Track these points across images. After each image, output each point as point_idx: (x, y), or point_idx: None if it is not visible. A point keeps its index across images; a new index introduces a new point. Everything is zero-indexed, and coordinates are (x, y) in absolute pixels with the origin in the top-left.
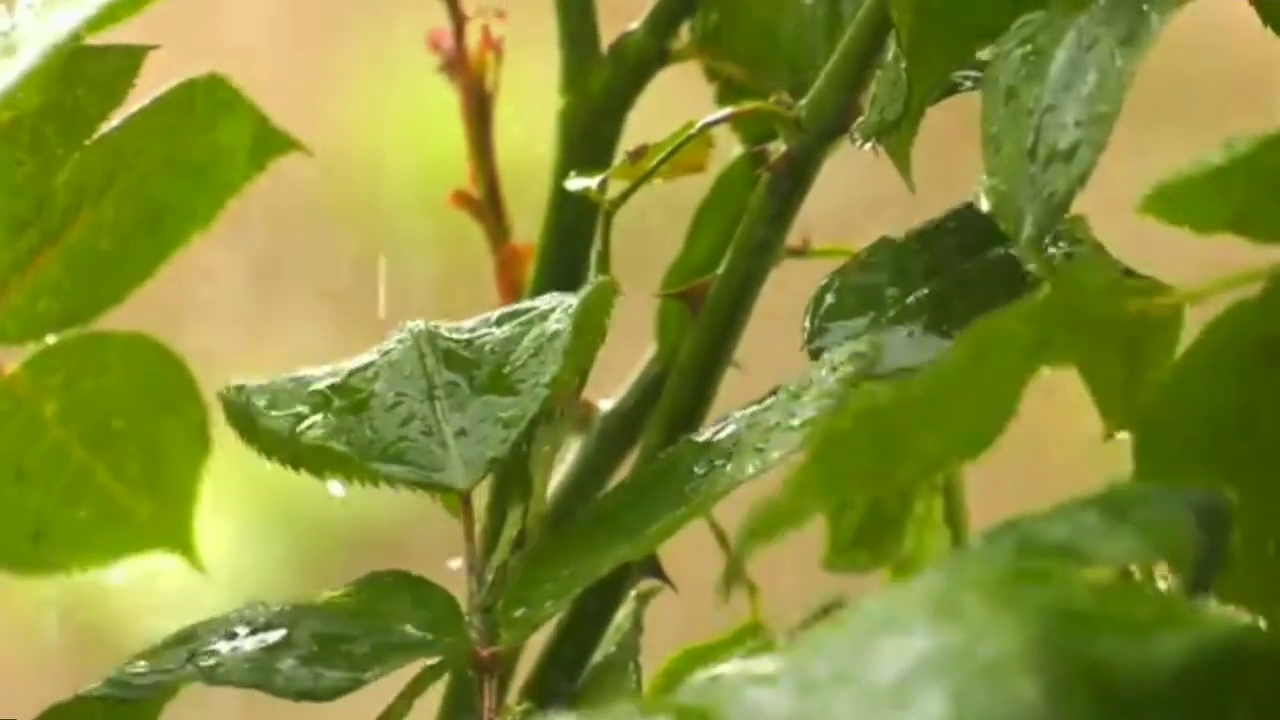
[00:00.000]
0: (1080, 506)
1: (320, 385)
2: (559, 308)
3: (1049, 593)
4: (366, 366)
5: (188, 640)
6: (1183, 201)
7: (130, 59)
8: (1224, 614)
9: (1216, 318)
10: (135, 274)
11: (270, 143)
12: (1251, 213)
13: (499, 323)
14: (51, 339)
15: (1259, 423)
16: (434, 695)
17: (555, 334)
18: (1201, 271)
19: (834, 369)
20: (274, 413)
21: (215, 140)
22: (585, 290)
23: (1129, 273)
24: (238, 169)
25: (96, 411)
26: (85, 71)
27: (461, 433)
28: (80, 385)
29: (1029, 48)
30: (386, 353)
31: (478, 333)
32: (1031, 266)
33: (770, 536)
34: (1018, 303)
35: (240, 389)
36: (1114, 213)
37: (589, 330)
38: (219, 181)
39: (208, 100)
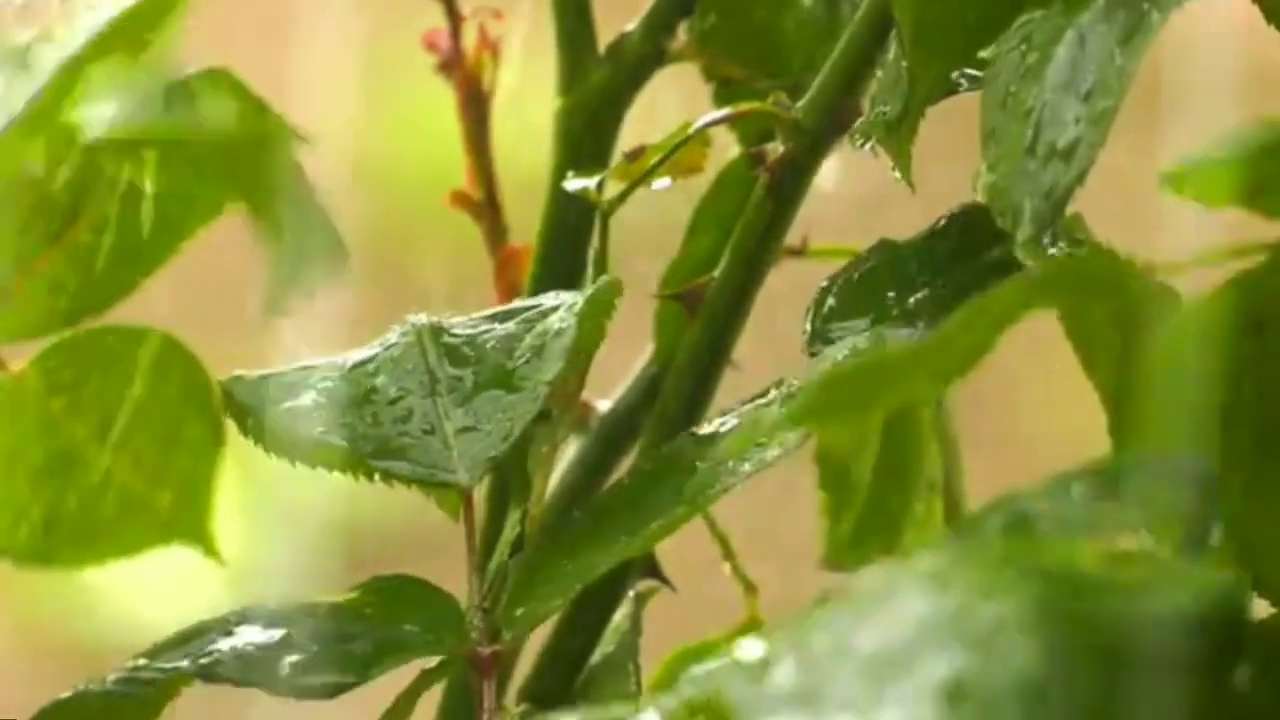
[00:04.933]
0: (1068, 480)
1: (321, 378)
2: (562, 306)
3: (1043, 558)
4: (368, 360)
5: (189, 638)
6: (1197, 179)
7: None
8: (1220, 572)
9: (1207, 290)
10: (139, 269)
11: (275, 134)
12: (1265, 189)
13: (501, 319)
14: (57, 335)
15: (1240, 391)
16: (430, 695)
17: (559, 332)
18: (1204, 270)
19: (834, 365)
20: (274, 405)
21: (220, 133)
22: (591, 290)
23: None
24: (243, 161)
25: (108, 406)
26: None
27: (463, 430)
28: (90, 380)
29: (1029, 46)
30: (388, 347)
31: (480, 329)
32: (1029, 264)
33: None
34: (1017, 276)
35: (240, 379)
36: (1119, 211)
37: (592, 331)
38: (224, 174)
39: (211, 93)
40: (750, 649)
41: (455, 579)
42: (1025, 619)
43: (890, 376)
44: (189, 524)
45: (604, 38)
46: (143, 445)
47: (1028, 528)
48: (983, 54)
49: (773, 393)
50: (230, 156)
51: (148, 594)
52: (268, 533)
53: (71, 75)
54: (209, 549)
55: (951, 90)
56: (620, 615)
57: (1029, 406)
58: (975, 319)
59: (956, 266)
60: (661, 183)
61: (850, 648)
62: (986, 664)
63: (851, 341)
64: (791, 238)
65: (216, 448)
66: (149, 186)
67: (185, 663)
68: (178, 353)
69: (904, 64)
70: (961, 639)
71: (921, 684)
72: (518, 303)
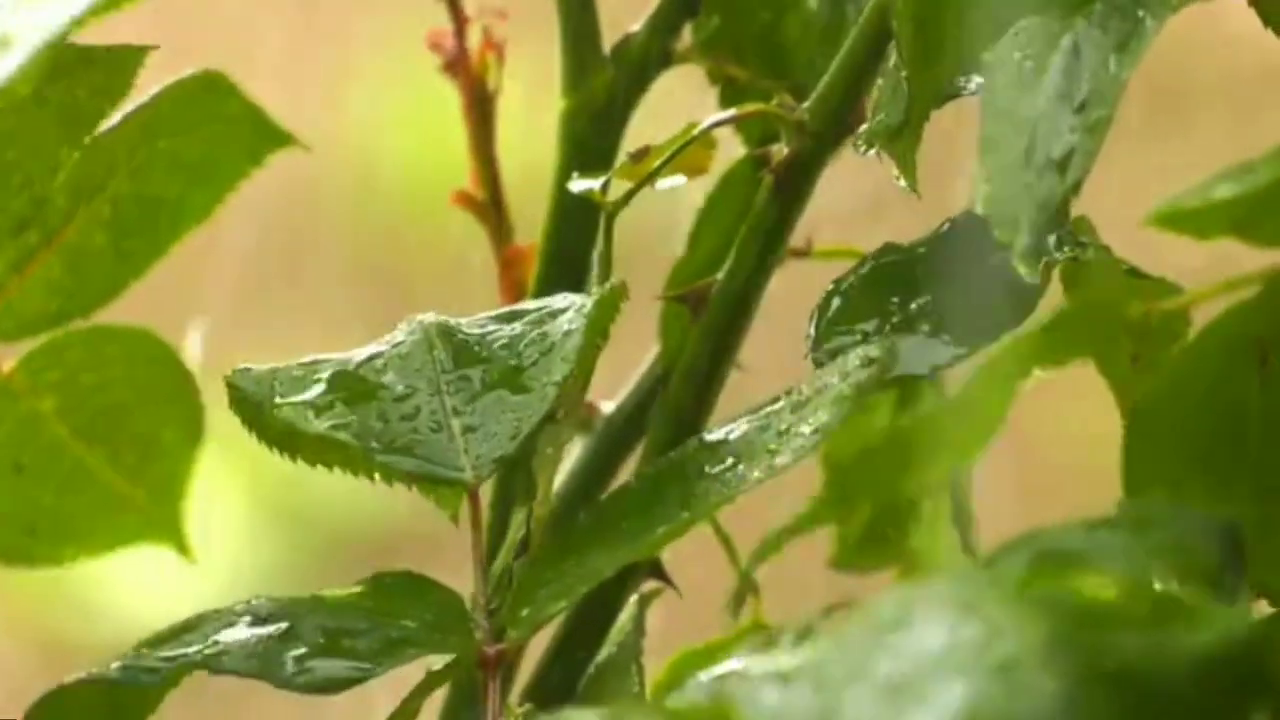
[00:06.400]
0: (1096, 523)
1: (329, 373)
2: (572, 308)
3: (1064, 589)
4: (375, 357)
5: (192, 629)
6: (1185, 219)
7: (130, 59)
8: (1240, 612)
9: (1213, 318)
10: (131, 269)
11: (268, 137)
12: (1251, 222)
13: (510, 319)
14: (48, 335)
15: (1248, 420)
16: (434, 695)
17: (568, 334)
18: (1208, 264)
19: (846, 374)
20: (280, 399)
21: (212, 136)
22: (599, 292)
23: (1134, 272)
24: (236, 164)
25: (94, 405)
26: (85, 72)
27: (470, 428)
28: (78, 380)
29: (1025, 54)
30: (396, 344)
31: (488, 329)
32: (1025, 273)
33: (780, 548)
34: (1028, 327)
35: (246, 372)
36: (1120, 211)
37: (598, 332)
38: (216, 176)
39: (205, 96)
40: (765, 663)
41: (455, 579)
42: (1045, 652)
43: (910, 460)
44: (163, 523)
45: (609, 39)
46: (122, 443)
47: (1052, 563)
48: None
49: (782, 400)
50: (223, 160)
51: (149, 594)
52: (269, 529)
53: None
54: (181, 548)
55: (953, 95)
56: (624, 616)
57: (1033, 408)
58: (989, 382)
59: (962, 270)
60: (666, 183)
61: (867, 671)
62: (1004, 697)
63: (863, 351)
64: (797, 239)
65: (193, 448)
66: (141, 189)
67: (189, 652)
68: (160, 352)
69: (903, 72)
70: (980, 670)
71: (938, 713)
72: (526, 303)
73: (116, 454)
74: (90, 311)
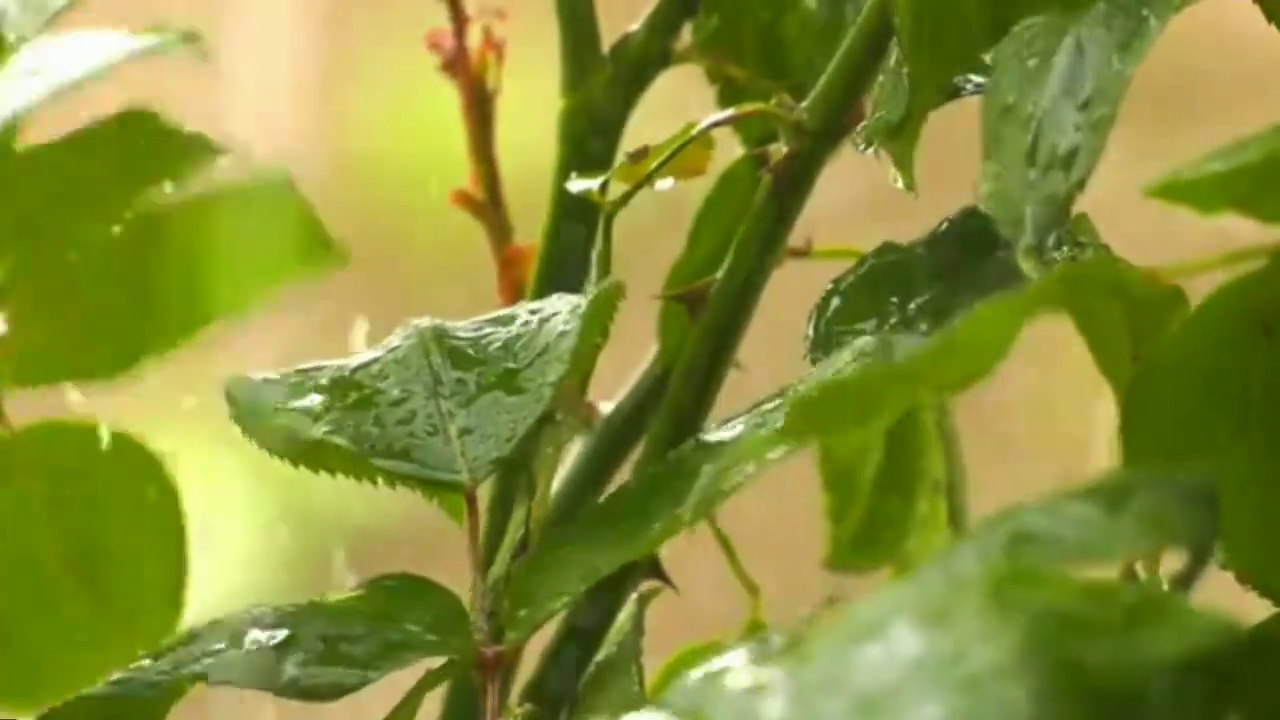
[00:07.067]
0: (1074, 497)
1: (326, 380)
2: (566, 308)
3: (1038, 594)
4: (372, 362)
5: (192, 640)
6: (1183, 190)
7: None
8: (1213, 610)
9: (1214, 291)
10: (158, 344)
11: (320, 247)
12: (1256, 195)
13: (505, 321)
14: (57, 401)
15: (1249, 393)
16: (433, 696)
17: (562, 334)
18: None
19: (839, 369)
20: (278, 406)
21: (263, 235)
22: (594, 291)
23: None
24: (282, 268)
25: (78, 512)
26: (150, 138)
27: (466, 431)
28: (66, 485)
29: (1028, 52)
30: (393, 349)
31: (484, 331)
32: (1028, 270)
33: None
34: (1021, 288)
35: (244, 380)
36: (1121, 213)
37: (594, 332)
38: (260, 274)
39: (261, 195)
40: (743, 674)
41: (456, 580)
42: (1018, 664)
43: (892, 386)
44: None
45: (609, 39)
46: (105, 569)
47: (1030, 546)
48: (984, 56)
49: (777, 399)
50: (268, 260)
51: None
52: (269, 532)
53: None
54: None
55: (953, 94)
56: (624, 616)
57: (1033, 408)
58: (978, 326)
59: (960, 269)
60: (665, 183)
61: (843, 682)
62: (978, 710)
63: (858, 345)
64: (797, 239)
65: (180, 577)
66: (184, 273)
67: (188, 664)
68: (151, 466)
69: (904, 69)
70: (954, 683)
71: None
72: (521, 305)
73: (96, 578)
74: (110, 375)
